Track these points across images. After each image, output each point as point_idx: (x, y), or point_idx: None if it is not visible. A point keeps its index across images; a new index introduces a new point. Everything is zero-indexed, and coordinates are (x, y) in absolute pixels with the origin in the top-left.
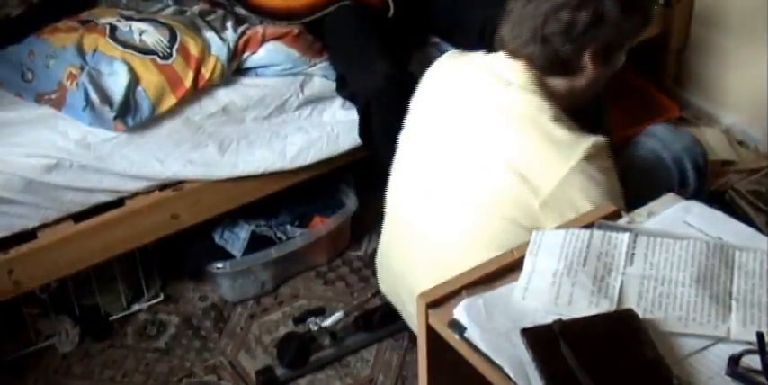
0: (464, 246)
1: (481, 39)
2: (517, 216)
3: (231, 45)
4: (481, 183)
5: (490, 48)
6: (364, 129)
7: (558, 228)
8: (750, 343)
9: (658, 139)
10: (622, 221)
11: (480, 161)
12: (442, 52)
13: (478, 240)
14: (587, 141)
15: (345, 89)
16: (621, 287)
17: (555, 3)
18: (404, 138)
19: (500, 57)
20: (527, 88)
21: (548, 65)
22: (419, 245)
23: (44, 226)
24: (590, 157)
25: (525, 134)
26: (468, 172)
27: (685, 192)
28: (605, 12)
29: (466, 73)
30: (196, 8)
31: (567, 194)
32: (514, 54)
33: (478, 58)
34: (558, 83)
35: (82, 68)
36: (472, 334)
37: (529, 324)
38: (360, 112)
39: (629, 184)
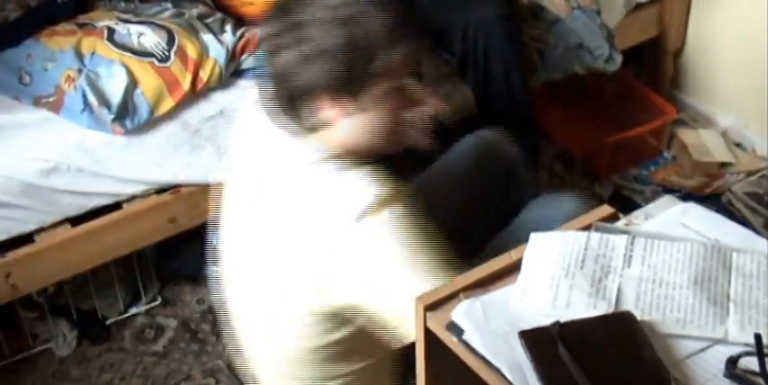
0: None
1: (464, 41)
2: (307, 297)
3: (230, 48)
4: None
5: (475, 50)
6: None
7: (556, 230)
8: (748, 344)
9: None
10: (620, 223)
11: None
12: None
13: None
14: (368, 195)
15: None
16: (619, 289)
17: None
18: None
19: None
20: (299, 152)
21: (287, 121)
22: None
23: (41, 229)
24: (375, 211)
25: (304, 200)
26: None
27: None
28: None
29: (261, 146)
30: (195, 11)
31: (353, 254)
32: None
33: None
34: (319, 139)
35: (80, 71)
36: (470, 336)
37: (527, 326)
38: None
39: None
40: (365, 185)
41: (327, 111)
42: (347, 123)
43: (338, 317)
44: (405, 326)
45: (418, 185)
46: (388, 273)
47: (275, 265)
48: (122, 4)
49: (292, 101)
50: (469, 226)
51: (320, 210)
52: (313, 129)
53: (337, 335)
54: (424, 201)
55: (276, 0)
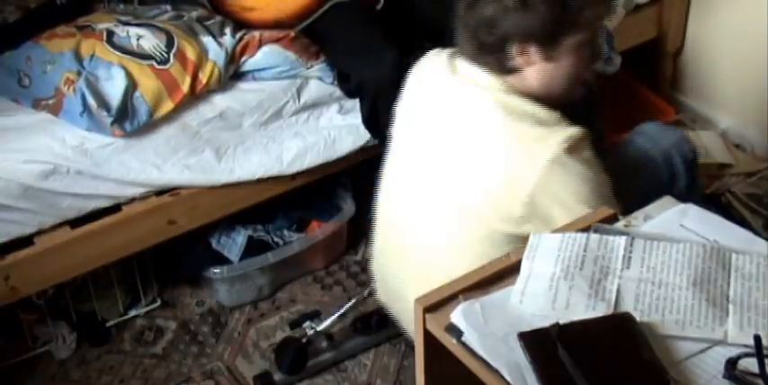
0: (451, 252)
1: None
2: (497, 222)
3: (229, 50)
4: (464, 188)
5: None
6: (371, 121)
7: (555, 231)
8: (747, 346)
9: (648, 137)
10: (619, 225)
11: (463, 167)
12: None
13: (464, 246)
14: (563, 134)
15: (349, 82)
16: (618, 290)
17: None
18: (393, 143)
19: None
20: (494, 89)
21: (488, 62)
22: (411, 251)
23: (41, 232)
24: (569, 150)
25: (500, 137)
26: (453, 177)
27: (676, 190)
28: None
29: (445, 77)
30: (194, 13)
31: (549, 191)
32: (471, 59)
33: (458, 60)
34: (515, 81)
35: (79, 74)
36: (469, 338)
37: (526, 328)
38: (367, 103)
39: (620, 181)
40: (564, 123)
41: (523, 57)
42: (537, 69)
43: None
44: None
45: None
46: (588, 204)
47: (462, 209)
48: (121, 7)
49: (492, 48)
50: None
51: (525, 142)
52: (508, 72)
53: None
54: None
55: None
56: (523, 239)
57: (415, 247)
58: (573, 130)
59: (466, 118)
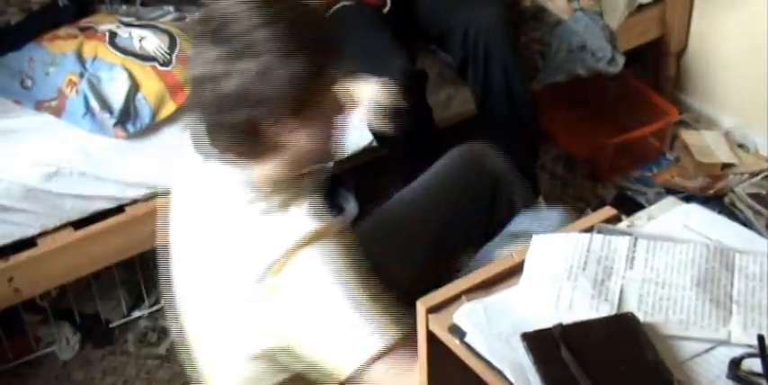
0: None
1: (465, 43)
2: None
3: None
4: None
5: (476, 52)
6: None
7: (558, 232)
8: (751, 346)
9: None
10: (622, 225)
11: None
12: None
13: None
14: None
15: None
16: (622, 291)
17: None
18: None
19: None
20: (240, 184)
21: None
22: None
23: (44, 233)
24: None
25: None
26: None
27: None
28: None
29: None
30: (197, 14)
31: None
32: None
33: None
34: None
35: (82, 75)
36: (472, 338)
37: (529, 328)
38: None
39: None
40: (296, 223)
41: (274, 132)
42: (294, 139)
43: (276, 363)
44: (337, 363)
45: (400, 199)
46: (320, 313)
47: (218, 304)
48: (124, 8)
49: (233, 130)
50: (454, 240)
51: (253, 249)
52: (258, 154)
53: (278, 379)
54: (407, 216)
55: (201, 29)
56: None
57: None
58: (310, 228)
59: (214, 221)
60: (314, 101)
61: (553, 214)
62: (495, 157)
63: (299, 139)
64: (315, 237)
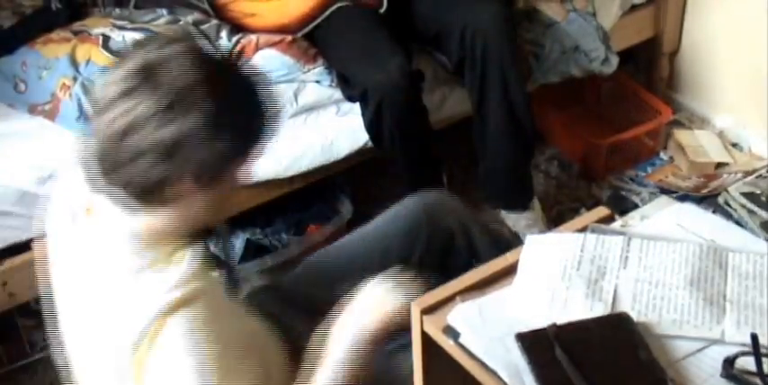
0: None
1: (462, 43)
2: None
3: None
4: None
5: (473, 52)
6: (375, 129)
7: (552, 232)
8: (744, 344)
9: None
10: (616, 225)
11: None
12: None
13: None
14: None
15: (353, 89)
16: (616, 290)
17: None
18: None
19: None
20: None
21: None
22: None
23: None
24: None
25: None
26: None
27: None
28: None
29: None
30: (190, 17)
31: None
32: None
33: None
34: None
35: (75, 79)
36: (467, 339)
37: (523, 328)
38: (371, 109)
39: None
40: (166, 287)
41: (174, 189)
42: (190, 200)
43: None
44: None
45: (342, 246)
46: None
47: (98, 364)
48: (117, 11)
49: (135, 177)
50: None
51: (124, 314)
52: (151, 203)
53: None
54: (350, 264)
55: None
56: None
57: None
58: (176, 293)
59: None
60: (222, 175)
61: None
62: (453, 208)
63: (193, 203)
64: (182, 304)
